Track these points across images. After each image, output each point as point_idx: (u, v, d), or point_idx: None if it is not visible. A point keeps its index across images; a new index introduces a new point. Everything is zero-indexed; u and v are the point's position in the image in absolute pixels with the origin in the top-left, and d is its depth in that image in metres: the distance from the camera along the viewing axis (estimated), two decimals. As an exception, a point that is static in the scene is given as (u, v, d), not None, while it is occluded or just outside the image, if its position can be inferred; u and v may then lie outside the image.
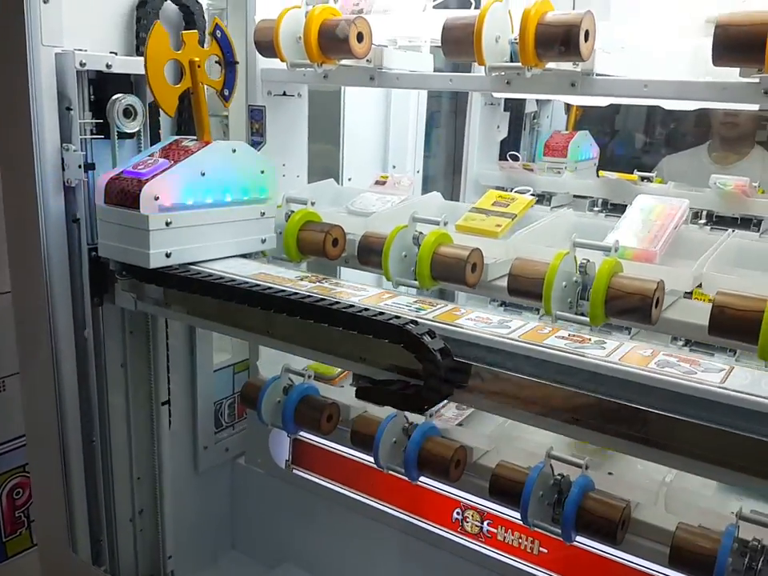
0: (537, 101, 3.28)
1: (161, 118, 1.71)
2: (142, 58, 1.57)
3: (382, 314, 1.26)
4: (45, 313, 1.58)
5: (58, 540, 1.76)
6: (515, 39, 1.34)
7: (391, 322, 1.23)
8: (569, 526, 1.37)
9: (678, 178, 2.53)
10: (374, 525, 1.88)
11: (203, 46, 1.61)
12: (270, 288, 1.40)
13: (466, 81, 1.60)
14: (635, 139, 4.23)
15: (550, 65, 1.34)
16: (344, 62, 1.58)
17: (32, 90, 1.41)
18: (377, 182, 2.03)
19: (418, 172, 2.53)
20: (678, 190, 2.29)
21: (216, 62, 1.65)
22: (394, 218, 1.66)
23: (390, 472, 1.61)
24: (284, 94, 1.86)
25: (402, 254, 1.56)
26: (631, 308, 1.24)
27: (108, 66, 1.50)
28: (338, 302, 1.31)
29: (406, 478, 1.59)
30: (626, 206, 2.44)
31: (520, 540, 1.65)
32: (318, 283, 1.49)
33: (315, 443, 1.95)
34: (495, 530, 1.69)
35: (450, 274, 1.50)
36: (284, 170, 1.93)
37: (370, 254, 1.60)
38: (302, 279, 1.51)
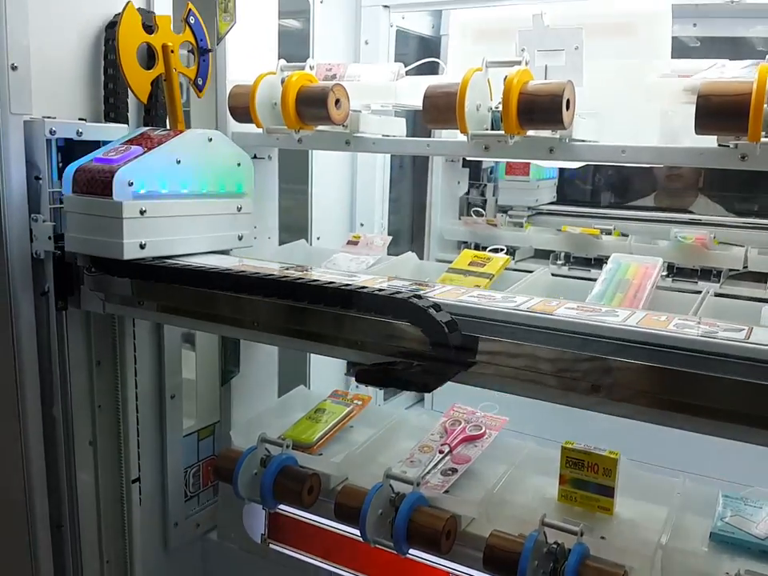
0: (494, 156, 3.37)
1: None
2: (111, 125, 1.54)
3: (381, 290, 1.19)
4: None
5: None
6: (496, 107, 1.36)
7: (395, 296, 1.15)
8: (568, 597, 1.33)
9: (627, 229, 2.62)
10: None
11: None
12: (256, 273, 1.31)
13: (442, 146, 1.62)
14: (584, 191, 4.35)
15: (530, 132, 1.36)
16: (321, 126, 1.57)
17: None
18: (349, 242, 2.01)
19: (384, 228, 2.53)
20: (640, 243, 2.35)
21: (189, 50, 1.61)
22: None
23: (377, 546, 1.55)
24: (255, 156, 1.83)
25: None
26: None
27: (78, 134, 1.44)
28: (332, 282, 1.24)
29: (395, 552, 1.53)
30: (589, 259, 2.57)
31: (513, 612, 1.60)
32: (305, 272, 1.42)
33: (293, 515, 1.86)
34: (487, 602, 1.63)
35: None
36: (255, 232, 1.89)
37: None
38: (287, 269, 1.43)
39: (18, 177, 1.39)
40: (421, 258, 2.66)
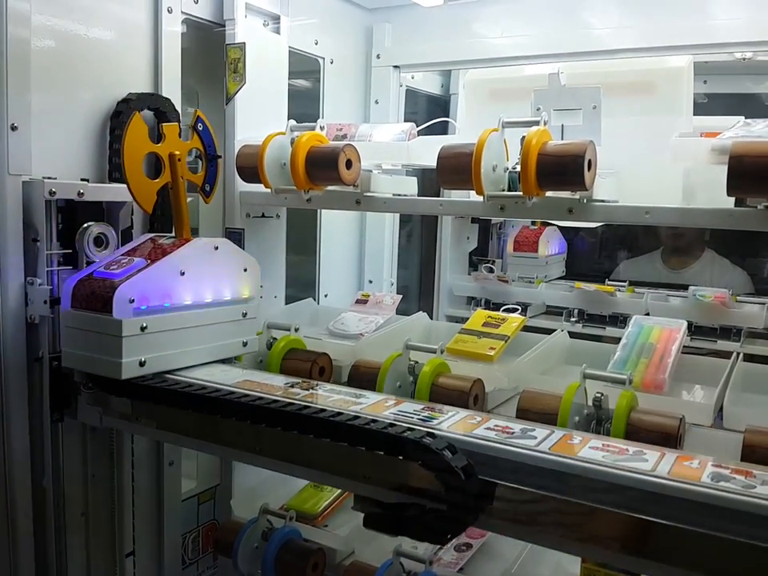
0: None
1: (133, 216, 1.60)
2: (114, 185, 1.50)
3: (392, 425, 1.09)
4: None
5: None
6: (513, 167, 1.31)
7: (405, 435, 1.05)
8: None
9: (635, 283, 2.57)
10: None
11: (184, 140, 1.53)
12: (260, 398, 1.22)
13: (456, 206, 1.57)
14: (592, 245, 4.33)
15: (549, 192, 1.31)
16: (331, 186, 1.53)
17: (-4, 222, 1.31)
18: (358, 301, 1.95)
19: (392, 284, 2.48)
20: (656, 302, 2.29)
21: (197, 156, 1.58)
22: (384, 343, 1.57)
23: (388, 630, 1.44)
24: (263, 215, 1.79)
25: (397, 384, 1.47)
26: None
27: (80, 194, 1.40)
28: (340, 413, 1.14)
29: (408, 637, 1.43)
30: (604, 316, 2.50)
31: None
32: (311, 390, 1.32)
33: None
34: None
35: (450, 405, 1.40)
36: (261, 291, 1.83)
37: (361, 384, 1.50)
38: (292, 386, 1.34)
39: (15, 239, 1.34)
40: (430, 314, 2.61)
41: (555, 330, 1.76)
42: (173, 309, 1.39)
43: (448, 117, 2.38)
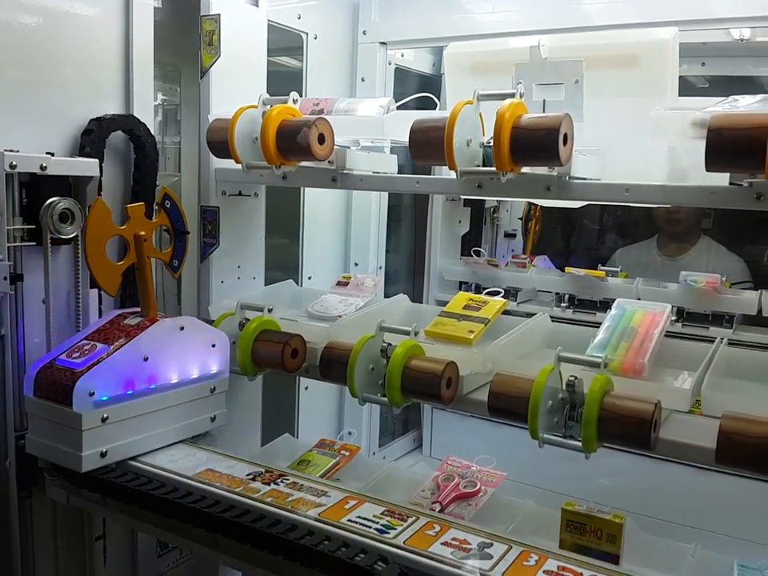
0: (497, 196, 3.29)
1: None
2: (80, 159, 1.46)
3: (346, 545, 1.08)
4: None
5: None
6: (488, 142, 1.27)
7: (357, 561, 1.04)
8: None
9: (631, 270, 2.52)
10: None
11: (151, 218, 1.51)
12: (216, 503, 1.21)
13: (433, 184, 1.52)
14: (588, 232, 4.28)
15: (525, 168, 1.26)
16: (305, 163, 1.49)
17: (-46, 196, 1.27)
18: (339, 283, 1.91)
19: (380, 268, 2.43)
20: (647, 287, 2.25)
21: (165, 229, 1.54)
22: (360, 325, 1.53)
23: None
24: (239, 193, 1.75)
25: (369, 366, 1.43)
26: (628, 432, 1.12)
27: (42, 168, 1.36)
28: (293, 527, 1.13)
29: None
30: (594, 302, 2.45)
31: None
32: (272, 485, 1.31)
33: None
34: None
35: (422, 389, 1.37)
36: (239, 272, 1.80)
37: (333, 367, 1.46)
38: (254, 479, 1.33)
39: (-27, 214, 1.31)
40: (420, 298, 2.57)
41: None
42: (136, 395, 1.37)
43: (439, 97, 2.32)
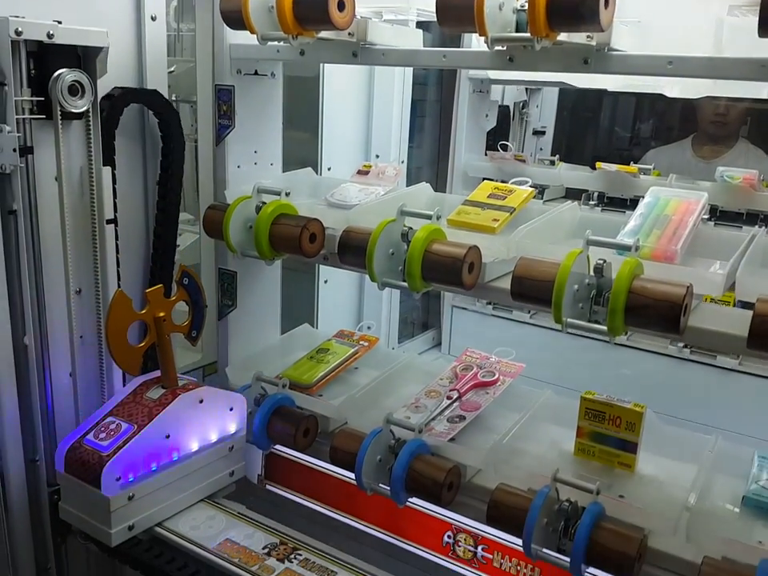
0: (526, 89, 3.14)
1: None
2: (90, 27, 1.38)
3: None
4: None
5: None
6: (522, 6, 1.17)
7: None
8: (578, 559, 1.21)
9: (663, 173, 2.41)
10: (355, 547, 1.71)
11: (169, 296, 1.54)
12: None
13: (461, 57, 1.43)
14: (619, 132, 4.12)
15: (561, 36, 1.17)
16: (323, 34, 1.39)
17: (-43, 62, 1.21)
18: (359, 172, 1.85)
19: (402, 162, 2.35)
20: (681, 183, 2.15)
21: (184, 300, 1.57)
22: (380, 211, 1.48)
23: (375, 493, 1.44)
24: (255, 72, 1.67)
25: (389, 251, 1.39)
26: (657, 317, 1.08)
27: (50, 36, 1.28)
28: None
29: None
30: (625, 200, 2.37)
31: (518, 567, 1.49)
32: (285, 563, 1.39)
33: (291, 457, 1.77)
34: (491, 556, 1.52)
35: (444, 274, 1.33)
36: (255, 157, 1.74)
37: (352, 252, 1.43)
38: (269, 553, 1.41)
39: (-22, 82, 1.25)
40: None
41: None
42: (159, 469, 1.46)
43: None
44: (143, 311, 1.47)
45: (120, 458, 1.38)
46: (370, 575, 1.40)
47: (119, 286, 1.63)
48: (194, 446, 1.53)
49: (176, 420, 1.47)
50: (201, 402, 1.51)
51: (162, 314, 1.48)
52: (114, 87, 1.50)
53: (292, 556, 1.42)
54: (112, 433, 1.42)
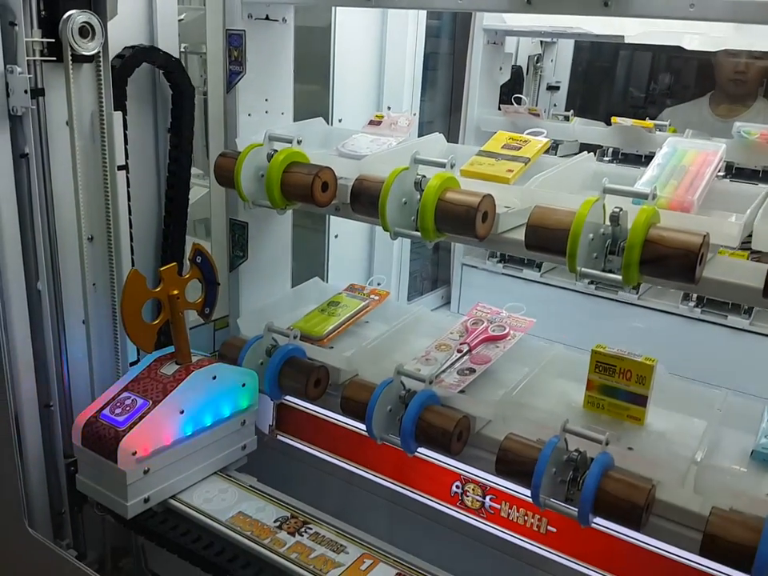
0: (541, 42, 3.07)
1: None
2: (99, -33, 1.35)
3: None
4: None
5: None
6: (542, -57, 1.13)
7: None
8: (586, 508, 1.22)
9: (680, 130, 2.37)
10: (364, 496, 1.74)
11: (181, 275, 1.53)
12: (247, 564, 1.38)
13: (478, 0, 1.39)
14: (634, 89, 4.03)
15: (582, -23, 1.13)
16: (337, -25, 1.36)
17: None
18: (371, 122, 1.82)
19: (414, 114, 2.32)
20: (697, 139, 2.11)
21: (197, 278, 1.58)
22: (392, 161, 1.46)
23: (385, 443, 1.46)
24: (267, 17, 1.63)
25: (402, 200, 1.38)
26: (673, 266, 1.06)
27: (59, -26, 1.27)
28: None
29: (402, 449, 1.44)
30: (640, 156, 2.33)
31: (526, 517, 1.51)
32: (296, 537, 1.42)
33: (302, 408, 1.79)
34: (498, 506, 1.55)
35: (457, 224, 1.32)
36: (266, 105, 1.72)
37: (364, 201, 1.41)
38: (280, 526, 1.44)
39: (-12, 21, 1.23)
40: (455, 151, 2.47)
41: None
42: (174, 444, 1.48)
43: None
44: (157, 289, 1.48)
45: (135, 434, 1.40)
46: (378, 549, 1.42)
47: (131, 236, 1.64)
48: (207, 421, 1.55)
49: (190, 396, 1.49)
50: (214, 378, 1.54)
51: (175, 292, 1.50)
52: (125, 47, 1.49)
53: (302, 530, 1.45)
54: (128, 408, 1.45)
